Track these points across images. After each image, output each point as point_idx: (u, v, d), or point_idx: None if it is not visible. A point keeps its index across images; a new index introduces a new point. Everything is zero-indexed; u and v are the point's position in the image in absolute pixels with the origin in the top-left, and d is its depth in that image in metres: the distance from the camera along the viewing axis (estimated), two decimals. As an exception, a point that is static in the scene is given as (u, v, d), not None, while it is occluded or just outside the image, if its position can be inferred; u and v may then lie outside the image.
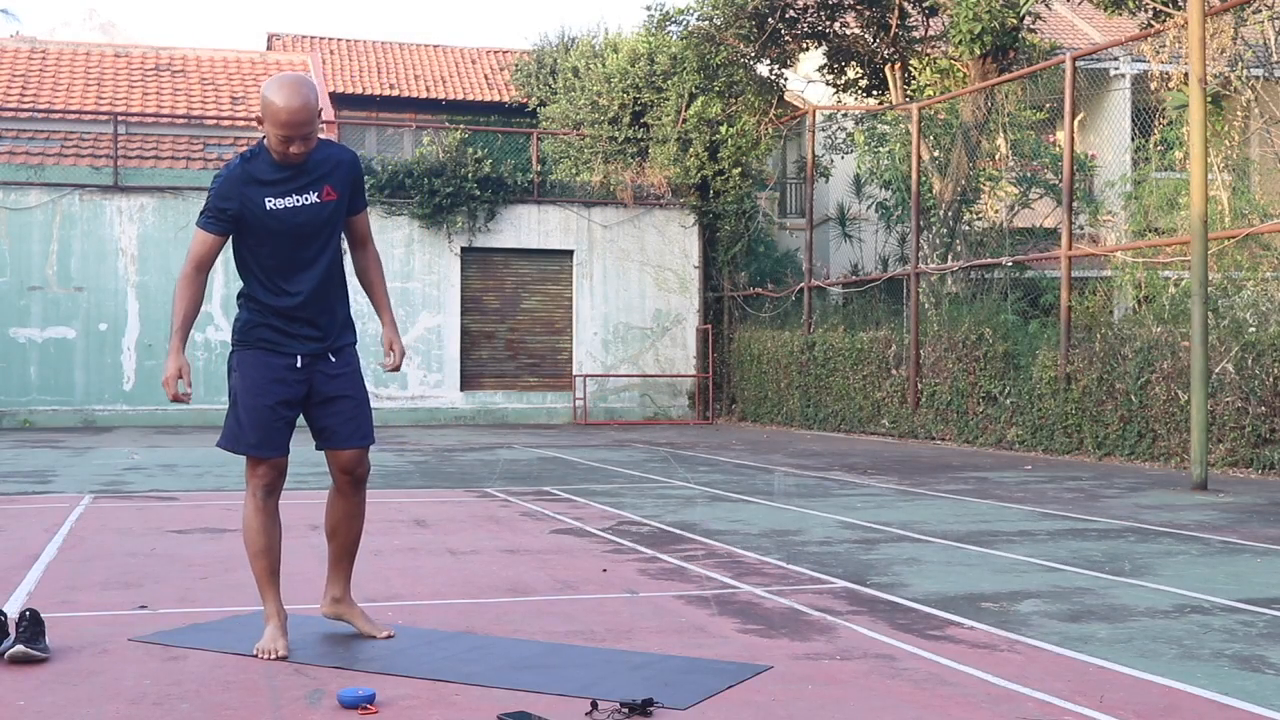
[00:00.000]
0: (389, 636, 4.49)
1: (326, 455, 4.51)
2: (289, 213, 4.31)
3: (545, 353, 21.50)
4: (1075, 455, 13.47)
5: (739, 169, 21.03)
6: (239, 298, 4.48)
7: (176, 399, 4.34)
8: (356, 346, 4.57)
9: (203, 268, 4.32)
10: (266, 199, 4.28)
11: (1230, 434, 11.66)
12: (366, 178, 20.21)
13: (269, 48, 29.77)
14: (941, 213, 17.88)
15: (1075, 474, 11.55)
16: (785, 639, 4.53)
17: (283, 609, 4.41)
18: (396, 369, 4.56)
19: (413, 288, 20.59)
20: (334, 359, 4.45)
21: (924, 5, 19.67)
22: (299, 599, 5.25)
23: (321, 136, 4.51)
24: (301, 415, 4.49)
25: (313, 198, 4.35)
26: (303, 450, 4.57)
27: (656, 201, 21.68)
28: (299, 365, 4.39)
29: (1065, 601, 5.26)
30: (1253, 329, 12.16)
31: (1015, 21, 16.56)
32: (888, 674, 4.02)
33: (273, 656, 4.22)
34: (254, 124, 21.30)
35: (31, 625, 4.15)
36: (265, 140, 4.32)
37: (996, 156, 18.64)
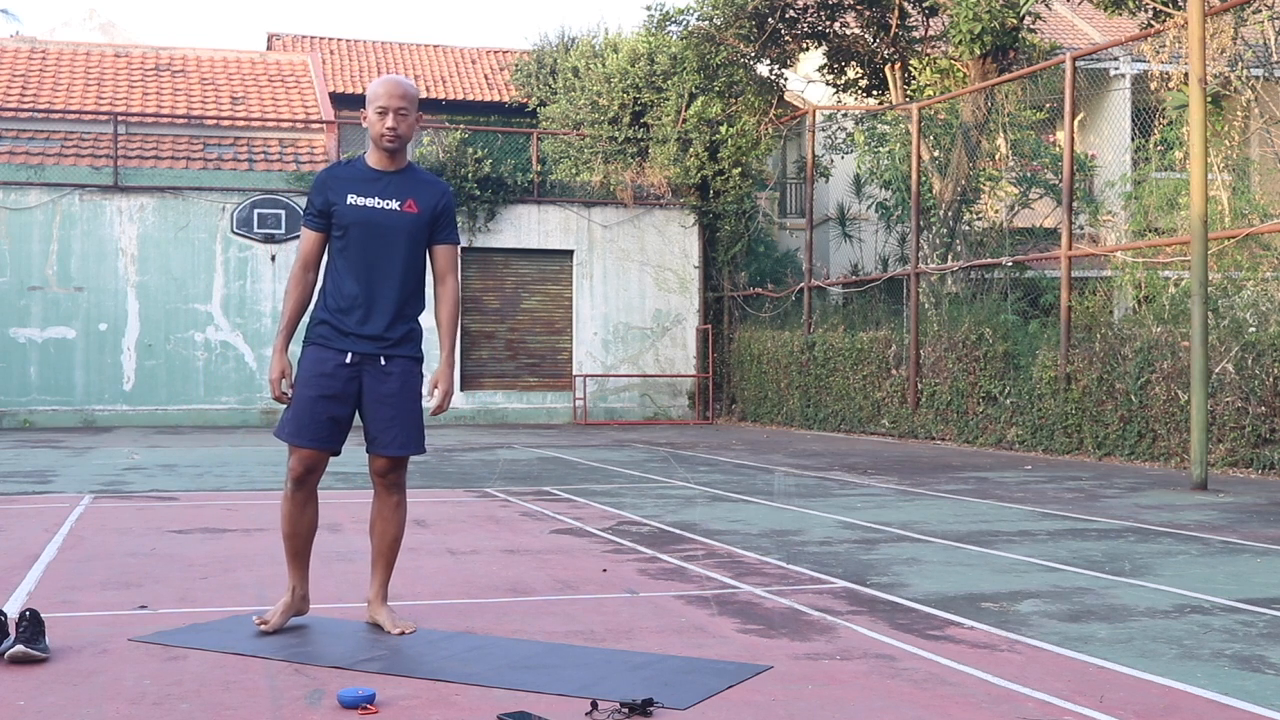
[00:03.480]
0: (401, 633, 4.53)
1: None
2: (367, 212, 4.53)
3: (545, 353, 21.50)
4: (1075, 455, 13.47)
5: (739, 169, 21.03)
6: (318, 293, 4.66)
7: (279, 399, 4.55)
8: (422, 365, 4.67)
9: (308, 265, 4.60)
10: (349, 195, 4.54)
11: (1230, 434, 11.66)
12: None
13: (269, 48, 29.77)
14: (941, 213, 17.88)
15: (1075, 474, 11.55)
16: (785, 639, 4.53)
17: (301, 586, 4.64)
18: (437, 411, 4.63)
19: (413, 288, 20.59)
20: (385, 363, 4.55)
21: (924, 5, 19.67)
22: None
23: (420, 166, 4.75)
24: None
25: (394, 205, 4.56)
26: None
27: (656, 201, 21.69)
28: (348, 362, 4.52)
29: (1065, 601, 5.26)
30: (1253, 329, 12.16)
31: (1015, 21, 16.56)
32: (888, 674, 4.02)
33: (260, 624, 4.51)
34: (256, 124, 21.37)
35: (31, 625, 4.15)
36: (366, 153, 4.64)
37: (996, 156, 18.63)
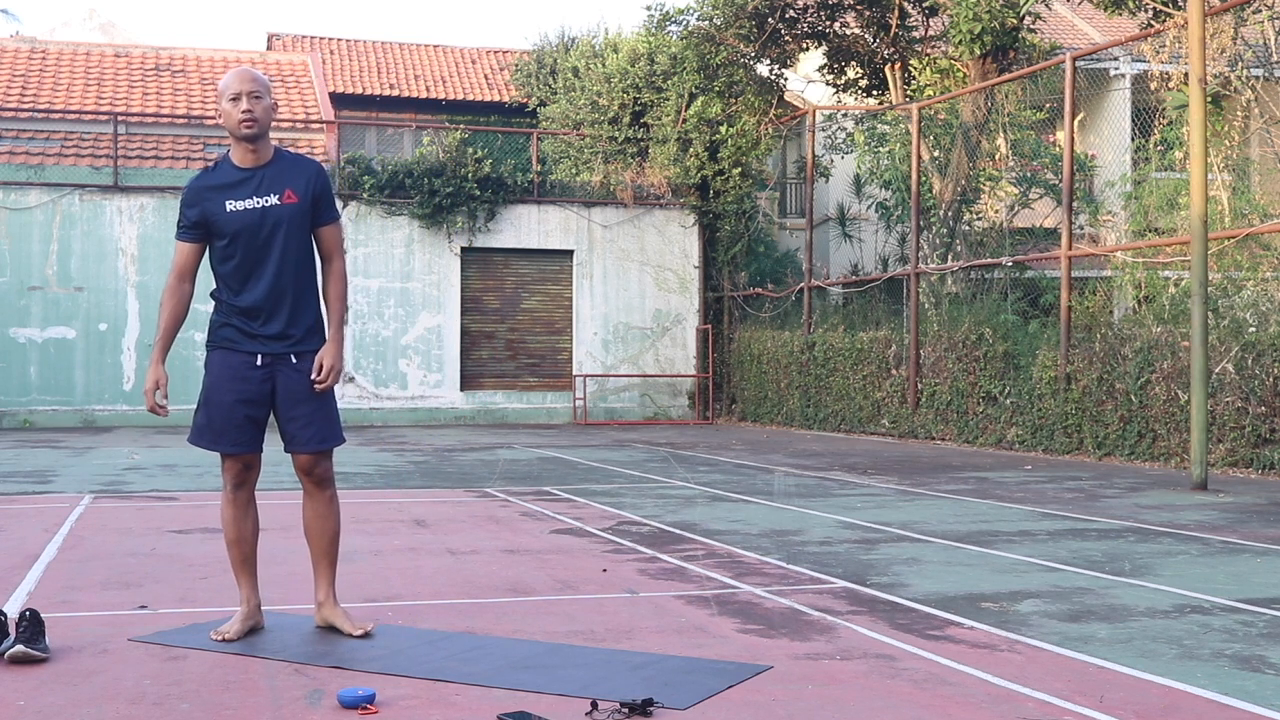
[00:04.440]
0: (363, 634, 4.46)
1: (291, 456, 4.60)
2: (248, 214, 4.45)
3: (545, 353, 21.50)
4: (1075, 455, 13.47)
5: (739, 169, 21.03)
6: (211, 297, 4.57)
7: (153, 410, 4.46)
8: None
9: (183, 276, 4.52)
10: (227, 201, 4.47)
11: (1230, 434, 11.66)
12: (366, 178, 20.26)
13: (269, 48, 29.76)
14: (941, 213, 17.88)
15: (1075, 474, 11.54)
16: (785, 639, 4.53)
17: (254, 597, 4.57)
18: (322, 387, 4.49)
19: (413, 288, 20.59)
20: (296, 361, 4.50)
21: (924, 5, 19.67)
22: (298, 599, 5.26)
23: (285, 149, 4.65)
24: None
25: (272, 199, 4.49)
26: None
27: (656, 201, 21.69)
28: (259, 364, 4.47)
29: (1065, 601, 5.26)
30: (1253, 329, 12.16)
31: (1015, 21, 16.56)
32: (888, 674, 4.02)
33: (220, 639, 4.40)
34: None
35: (31, 625, 4.15)
36: (229, 152, 4.55)
37: (996, 156, 18.63)
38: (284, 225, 4.47)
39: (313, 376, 4.49)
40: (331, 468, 4.63)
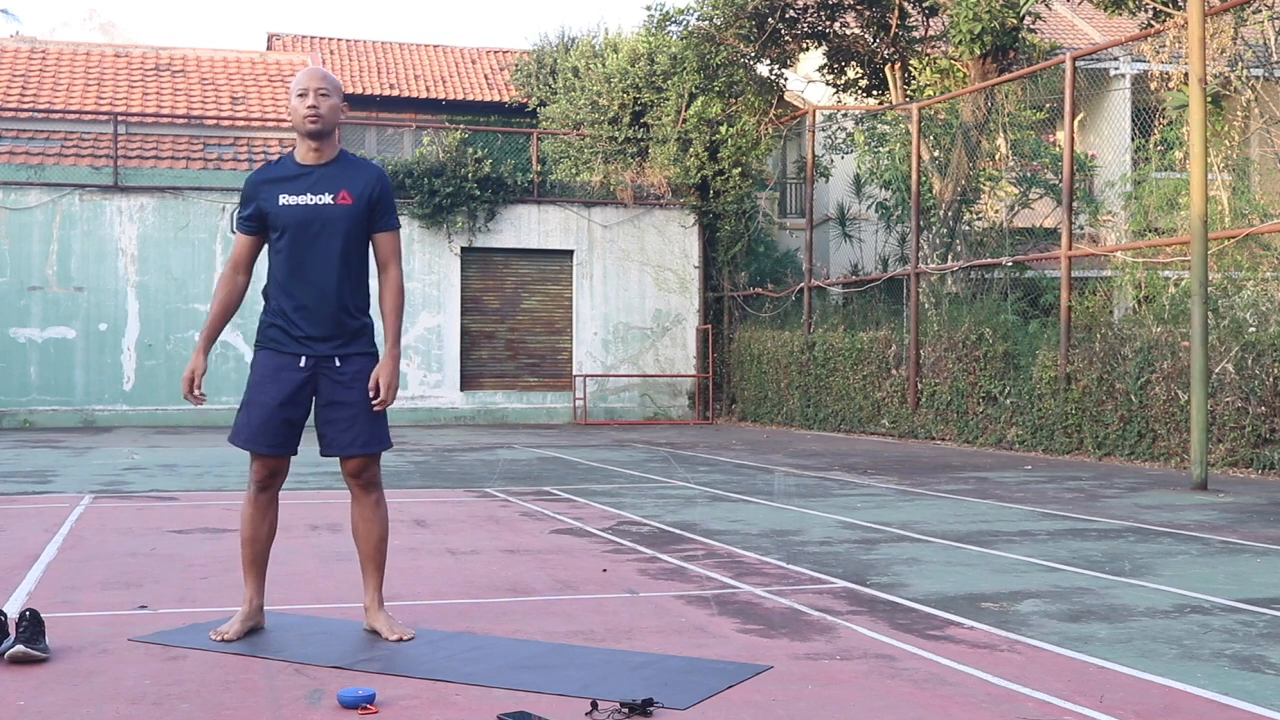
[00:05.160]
0: (399, 639, 4.44)
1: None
2: (299, 209, 4.43)
3: (545, 353, 21.50)
4: (1075, 455, 13.47)
5: (739, 169, 21.03)
6: (262, 295, 4.57)
7: (190, 399, 4.50)
8: (378, 359, 4.56)
9: (238, 268, 4.54)
10: (281, 195, 4.45)
11: (1230, 434, 11.66)
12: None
13: (269, 48, 29.76)
14: (941, 213, 17.88)
15: (1075, 474, 11.54)
16: (785, 639, 4.53)
17: (257, 598, 4.56)
18: (380, 406, 4.46)
19: (413, 288, 20.58)
20: (340, 364, 4.46)
21: (924, 5, 19.67)
22: (298, 599, 5.26)
23: (351, 153, 4.64)
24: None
25: (326, 198, 4.44)
26: (304, 451, 4.56)
27: (656, 201, 21.69)
28: (302, 365, 4.44)
29: (1065, 601, 5.26)
30: (1253, 329, 12.16)
31: (1015, 21, 16.56)
32: (888, 674, 4.02)
33: (219, 639, 4.40)
34: (256, 124, 21.37)
35: (31, 625, 4.15)
36: (294, 149, 4.54)
37: (996, 156, 18.63)
38: (335, 226, 4.43)
39: (371, 398, 4.46)
40: (378, 472, 4.59)
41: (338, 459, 4.53)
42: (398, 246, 4.59)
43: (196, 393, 4.46)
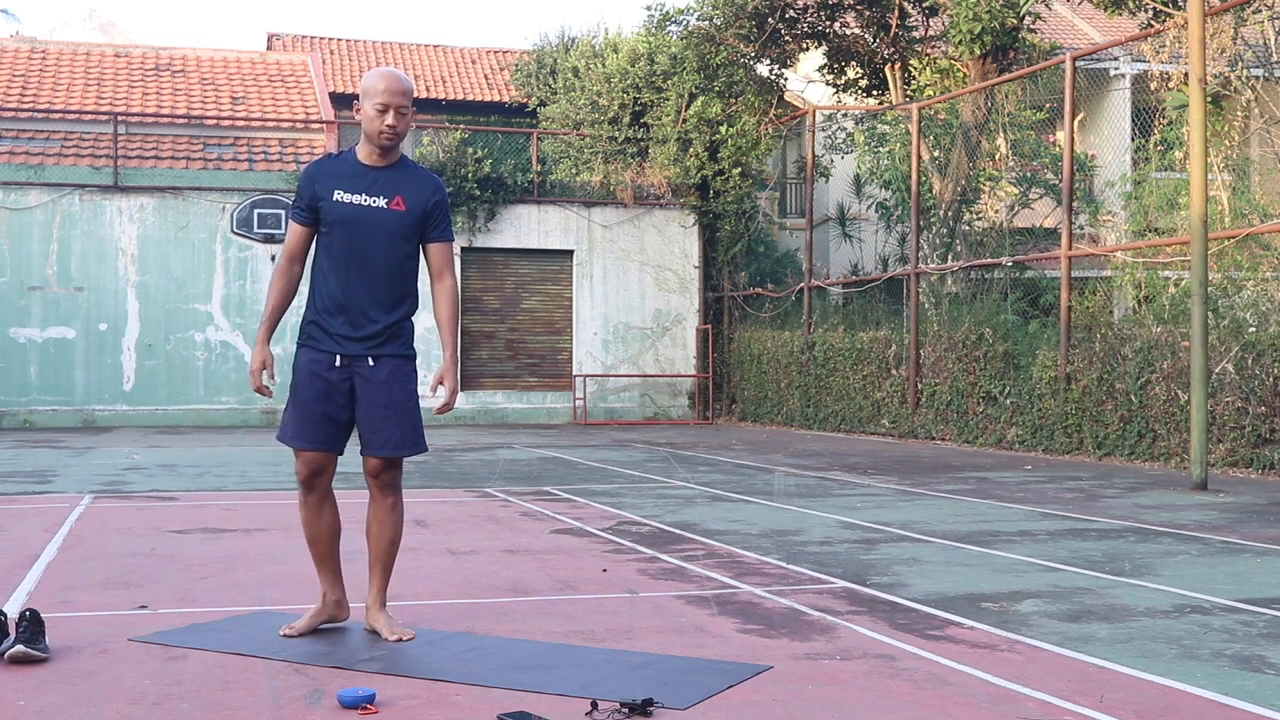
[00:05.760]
0: (399, 640, 4.43)
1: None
2: (351, 208, 4.43)
3: (545, 353, 21.50)
4: (1075, 455, 13.47)
5: (739, 169, 21.03)
6: (309, 291, 4.59)
7: (259, 390, 4.50)
8: (414, 362, 4.59)
9: (293, 258, 4.54)
10: (336, 190, 4.45)
11: (1230, 434, 11.66)
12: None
13: (269, 48, 29.76)
14: (941, 213, 17.88)
15: (1075, 474, 11.54)
16: (785, 639, 4.53)
17: (333, 592, 4.61)
18: (442, 410, 4.51)
19: (413, 288, 20.58)
20: (373, 364, 4.47)
21: (924, 5, 19.67)
22: (299, 599, 5.26)
23: (413, 161, 4.64)
24: None
25: (380, 202, 4.45)
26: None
27: (656, 201, 21.69)
28: (337, 364, 4.46)
29: (1065, 601, 5.26)
30: (1253, 329, 12.16)
31: (1015, 21, 16.56)
32: (888, 674, 4.02)
33: (287, 634, 4.45)
34: (256, 124, 21.35)
35: (31, 625, 4.15)
36: (358, 145, 4.53)
37: (996, 156, 18.64)
38: (384, 230, 4.43)
39: (431, 403, 4.49)
40: (399, 476, 4.58)
41: (361, 458, 4.55)
42: (449, 257, 4.62)
43: (267, 383, 4.48)
